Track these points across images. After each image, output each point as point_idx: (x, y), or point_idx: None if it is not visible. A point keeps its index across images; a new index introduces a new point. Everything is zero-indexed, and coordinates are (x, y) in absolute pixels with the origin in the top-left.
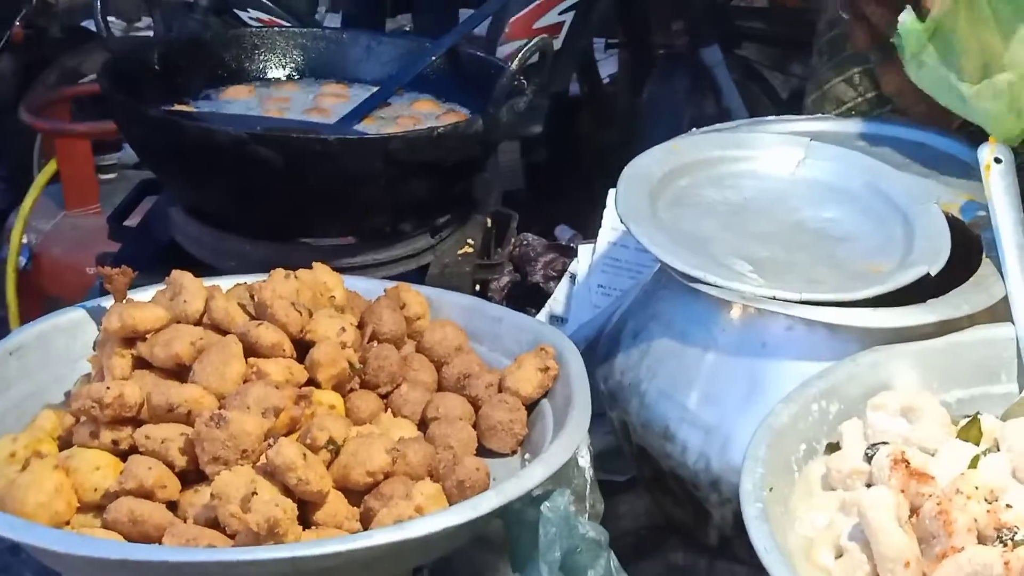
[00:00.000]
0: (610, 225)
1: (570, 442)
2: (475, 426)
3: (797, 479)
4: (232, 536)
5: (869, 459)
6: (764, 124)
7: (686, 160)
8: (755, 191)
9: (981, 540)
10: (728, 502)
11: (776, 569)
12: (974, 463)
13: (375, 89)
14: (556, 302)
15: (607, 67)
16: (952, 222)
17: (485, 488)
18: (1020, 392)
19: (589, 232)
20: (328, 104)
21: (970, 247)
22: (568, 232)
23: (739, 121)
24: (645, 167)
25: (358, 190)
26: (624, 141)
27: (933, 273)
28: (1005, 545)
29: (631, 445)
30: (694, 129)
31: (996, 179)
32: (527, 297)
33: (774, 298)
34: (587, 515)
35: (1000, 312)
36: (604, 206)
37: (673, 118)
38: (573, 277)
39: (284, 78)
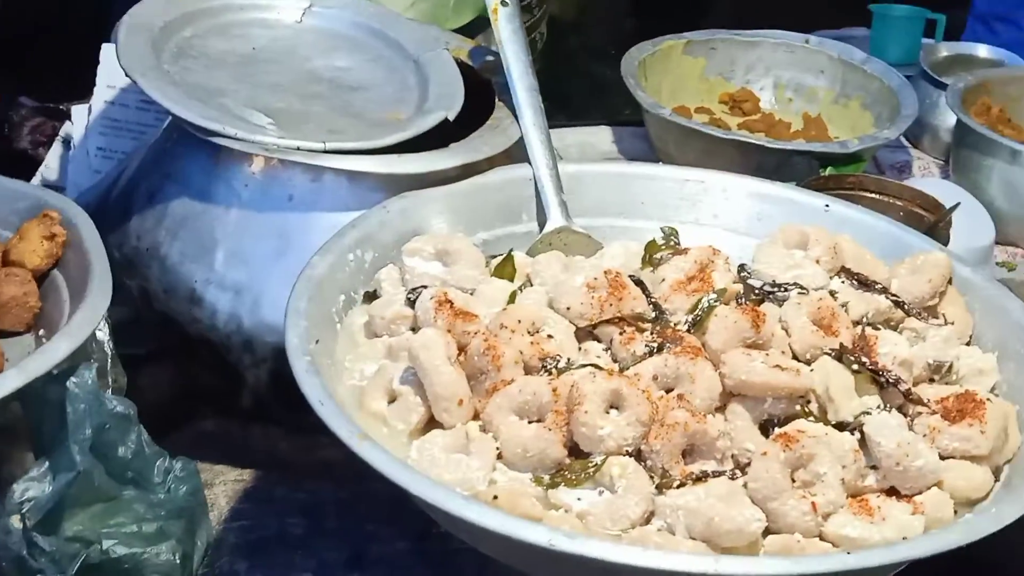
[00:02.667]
0: (106, 83)
1: (93, 313)
2: None
3: (340, 330)
4: None
5: (412, 303)
6: None
7: (188, 9)
8: (264, 40)
9: (528, 371)
10: (263, 362)
11: (333, 420)
12: (512, 299)
13: None
14: (49, 169)
15: None
16: (463, 67)
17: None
18: (540, 230)
19: (82, 93)
20: None
21: (484, 91)
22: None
23: None
24: (144, 17)
25: None
26: None
27: (451, 118)
28: (551, 373)
29: (153, 313)
30: None
31: (504, 23)
32: (14, 166)
33: (298, 148)
34: (110, 390)
35: (517, 154)
36: (97, 63)
37: None
38: (67, 141)
39: None
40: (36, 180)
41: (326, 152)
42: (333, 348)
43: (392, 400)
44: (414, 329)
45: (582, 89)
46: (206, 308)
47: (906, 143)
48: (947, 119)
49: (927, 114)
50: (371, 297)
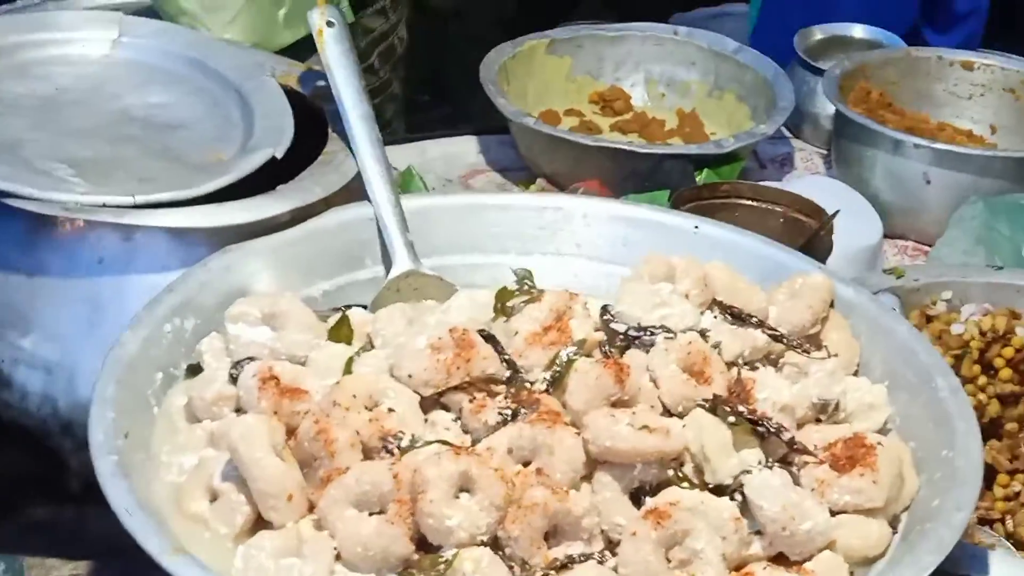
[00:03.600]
0: None
1: None
2: None
3: (157, 415)
4: None
5: (235, 380)
6: None
7: None
8: (68, 79)
9: (367, 453)
10: (86, 446)
11: (141, 533)
12: (348, 367)
13: None
14: None
15: None
16: (292, 96)
17: None
18: (386, 274)
19: None
20: None
21: (315, 121)
22: None
23: None
24: None
25: None
26: None
27: (279, 155)
28: (392, 455)
29: None
30: None
31: (331, 45)
32: None
33: (104, 205)
34: None
35: (355, 191)
36: None
37: None
38: None
39: None
40: None
41: (136, 207)
42: (149, 439)
43: (214, 499)
44: (239, 410)
45: (464, 80)
46: (15, 391)
47: (787, 134)
48: (827, 107)
49: (805, 102)
50: (194, 371)
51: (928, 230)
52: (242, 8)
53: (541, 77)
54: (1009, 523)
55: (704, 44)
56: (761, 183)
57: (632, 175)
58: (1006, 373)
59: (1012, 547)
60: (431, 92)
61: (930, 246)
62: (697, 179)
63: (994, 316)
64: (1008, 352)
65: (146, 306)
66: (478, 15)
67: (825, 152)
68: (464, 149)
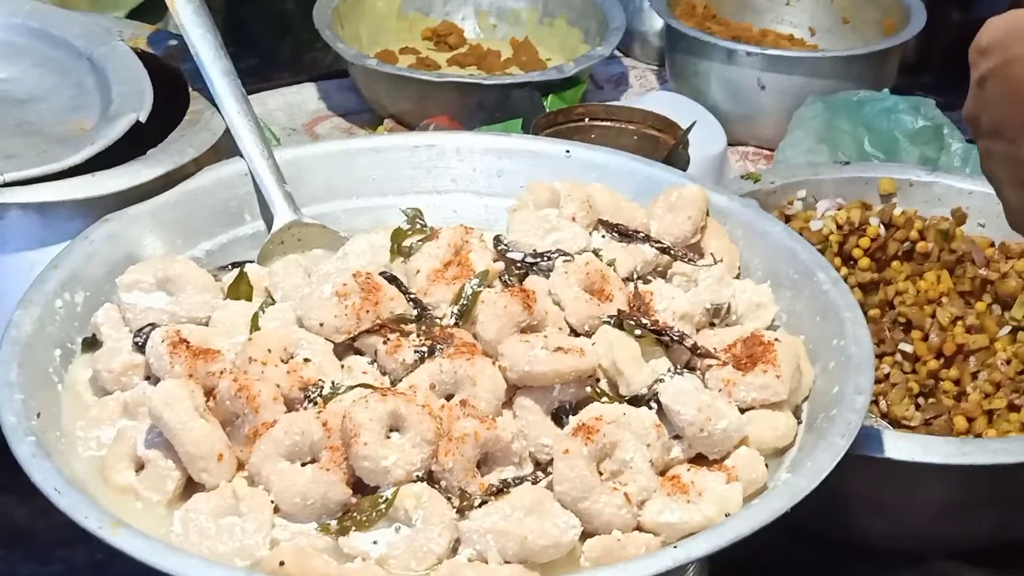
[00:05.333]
0: None
1: None
2: None
3: (62, 392)
4: None
5: (141, 348)
6: None
7: None
8: None
9: (289, 405)
10: None
11: (77, 511)
12: (255, 323)
13: None
14: None
15: None
16: (146, 58)
17: None
18: (268, 228)
19: None
20: None
21: (174, 82)
22: None
23: None
24: None
25: None
26: None
27: (143, 119)
28: (316, 404)
29: None
30: None
31: (182, 5)
32: None
33: None
34: None
35: (225, 148)
36: None
37: None
38: None
39: None
40: None
41: (5, 185)
42: (59, 416)
43: (140, 468)
44: (149, 378)
45: (265, 27)
46: None
47: (618, 54)
48: (654, 23)
49: (633, 20)
50: (91, 344)
51: (766, 134)
52: None
53: (372, 17)
54: (883, 403)
55: None
56: (612, 103)
57: (479, 108)
58: (865, 262)
59: (889, 425)
60: (235, 43)
61: (770, 149)
62: (544, 105)
63: (848, 209)
64: (864, 242)
65: (34, 284)
66: None
67: (656, 67)
68: (305, 97)
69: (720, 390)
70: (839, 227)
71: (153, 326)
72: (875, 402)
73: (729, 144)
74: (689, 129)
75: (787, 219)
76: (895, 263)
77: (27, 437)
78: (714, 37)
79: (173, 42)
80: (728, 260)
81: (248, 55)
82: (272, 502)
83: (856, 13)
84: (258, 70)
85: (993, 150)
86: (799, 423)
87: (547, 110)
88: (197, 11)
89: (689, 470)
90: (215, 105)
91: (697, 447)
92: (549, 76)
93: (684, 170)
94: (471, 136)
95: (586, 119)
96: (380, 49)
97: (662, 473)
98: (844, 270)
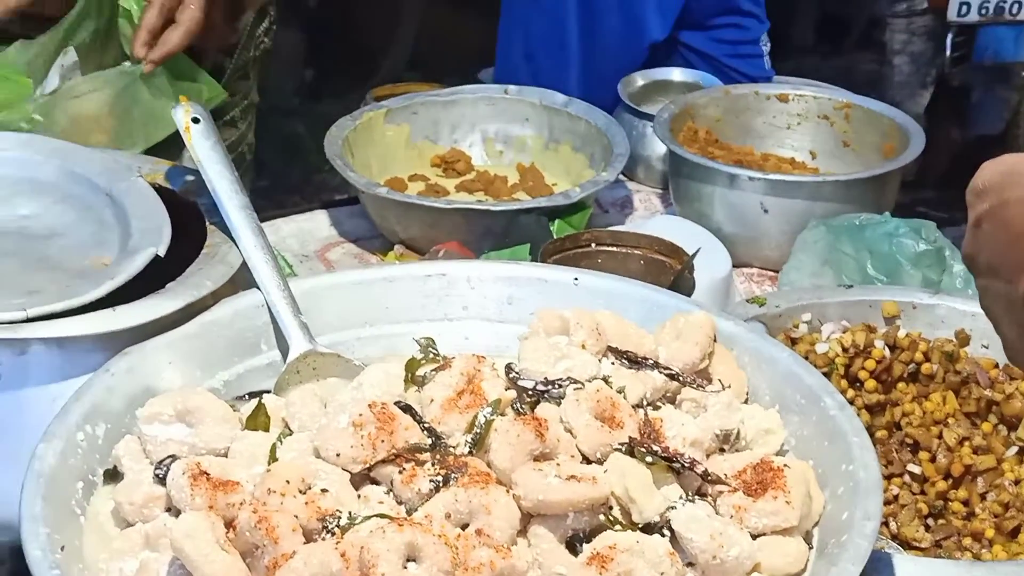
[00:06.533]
0: None
1: None
2: None
3: (85, 525)
4: None
5: (162, 480)
6: None
7: None
8: None
9: (307, 536)
10: (1, 565)
11: None
12: (273, 454)
13: None
14: None
15: None
16: (164, 193)
17: None
18: (283, 358)
19: None
20: None
21: (191, 216)
22: None
23: None
24: None
25: None
26: None
27: (161, 253)
28: (333, 534)
29: None
30: None
31: (199, 141)
32: None
33: None
34: None
35: (242, 280)
36: None
37: None
38: None
39: None
40: None
41: (29, 321)
42: (81, 549)
43: None
44: (170, 509)
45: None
46: None
47: (623, 178)
48: (656, 148)
49: (636, 145)
50: (112, 476)
51: (770, 256)
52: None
53: (383, 145)
54: (892, 525)
55: (536, 100)
56: (617, 228)
57: (488, 233)
58: (871, 384)
59: (900, 547)
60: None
61: (774, 271)
62: (551, 230)
63: (853, 332)
64: (870, 364)
65: (56, 417)
66: (278, 87)
67: (660, 191)
68: (317, 223)
69: (731, 516)
70: (844, 350)
71: (173, 458)
72: (885, 523)
73: (734, 266)
74: (694, 255)
75: (793, 342)
76: (901, 384)
77: (52, 571)
78: (717, 162)
79: (190, 177)
80: (736, 386)
81: (259, 178)
82: None
83: (856, 137)
84: (268, 192)
85: (991, 288)
86: (810, 548)
87: (554, 234)
88: (214, 147)
89: None
90: (232, 238)
91: (710, 574)
92: (556, 201)
93: (690, 294)
94: (481, 265)
95: (593, 244)
96: (390, 176)
97: None
98: (851, 392)
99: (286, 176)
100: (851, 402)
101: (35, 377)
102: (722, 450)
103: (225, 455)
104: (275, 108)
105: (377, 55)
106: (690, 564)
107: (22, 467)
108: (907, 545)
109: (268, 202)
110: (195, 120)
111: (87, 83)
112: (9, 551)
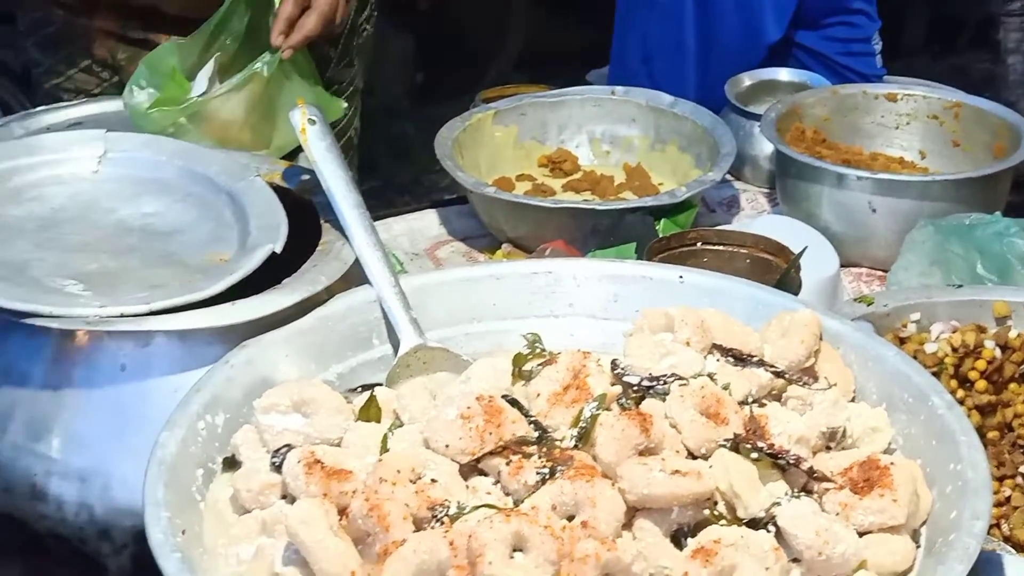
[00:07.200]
0: None
1: None
2: None
3: (204, 510)
4: None
5: (278, 468)
6: (35, 116)
7: None
8: (62, 198)
9: (417, 524)
10: (124, 548)
11: None
12: (384, 444)
13: None
14: None
15: None
16: (280, 192)
17: None
18: (394, 352)
19: None
20: None
21: (306, 214)
22: None
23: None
24: None
25: None
26: None
27: (278, 250)
28: (442, 523)
29: None
30: None
31: (314, 142)
32: None
33: (122, 315)
34: None
35: (355, 276)
36: None
37: None
38: None
39: None
40: None
41: (152, 314)
42: (201, 534)
43: None
44: (285, 496)
45: (387, 153)
46: (51, 502)
47: (729, 177)
48: (764, 147)
49: (743, 145)
50: (231, 463)
51: (878, 255)
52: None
53: (491, 146)
54: (1004, 527)
55: (642, 101)
56: (723, 227)
57: (594, 232)
58: (982, 385)
59: (1012, 549)
60: (357, 166)
61: (883, 270)
62: (657, 229)
63: (963, 332)
64: (981, 364)
65: (178, 406)
66: (387, 89)
67: (767, 191)
68: (427, 223)
69: (837, 514)
70: (954, 350)
71: (289, 447)
72: (997, 526)
73: (841, 265)
74: (801, 254)
75: (901, 342)
76: (1012, 385)
77: (173, 553)
78: (824, 162)
79: (306, 177)
80: (842, 384)
81: (370, 178)
82: None
83: (966, 136)
84: (379, 192)
85: None
86: (918, 547)
87: (660, 234)
88: (329, 148)
89: None
90: (345, 236)
91: (816, 570)
92: (662, 201)
93: (796, 294)
94: (587, 263)
95: (699, 243)
96: (498, 176)
97: None
98: (961, 392)
99: (397, 176)
100: (961, 402)
101: (157, 368)
102: (828, 448)
103: (338, 445)
104: (386, 110)
105: (485, 58)
106: (795, 560)
107: (145, 455)
108: (1020, 548)
109: (379, 201)
110: (311, 121)
111: (226, 90)
112: (132, 535)
